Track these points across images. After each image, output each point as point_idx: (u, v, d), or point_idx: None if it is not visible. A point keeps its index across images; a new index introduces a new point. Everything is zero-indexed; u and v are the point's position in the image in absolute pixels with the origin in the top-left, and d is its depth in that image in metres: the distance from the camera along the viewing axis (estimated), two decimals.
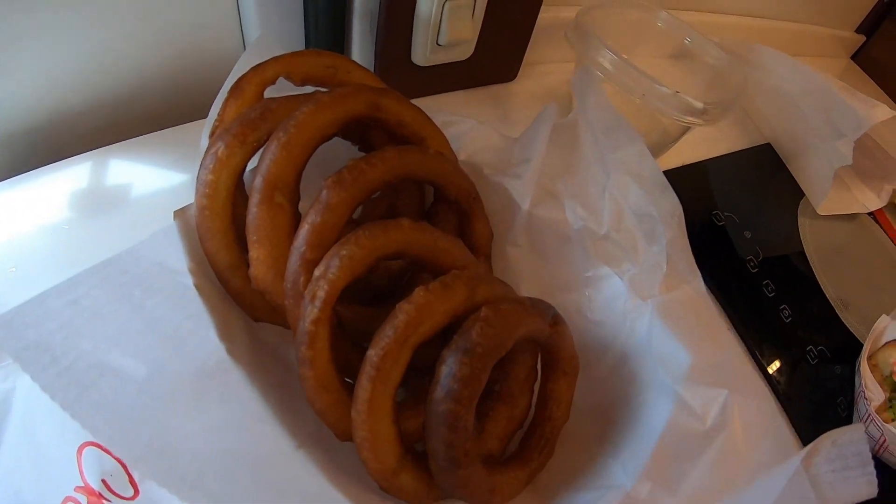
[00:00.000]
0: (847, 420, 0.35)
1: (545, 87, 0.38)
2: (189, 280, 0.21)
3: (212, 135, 0.24)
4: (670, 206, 0.23)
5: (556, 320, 0.21)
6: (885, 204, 0.47)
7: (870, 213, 0.48)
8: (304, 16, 0.29)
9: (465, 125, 0.27)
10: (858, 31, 0.67)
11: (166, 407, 0.16)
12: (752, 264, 0.36)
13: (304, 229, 0.20)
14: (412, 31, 0.29)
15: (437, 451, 0.18)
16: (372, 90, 0.23)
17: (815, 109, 0.41)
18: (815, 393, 0.34)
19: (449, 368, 0.18)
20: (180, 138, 0.29)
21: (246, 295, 0.23)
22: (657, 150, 0.37)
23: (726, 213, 0.37)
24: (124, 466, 0.21)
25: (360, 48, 0.30)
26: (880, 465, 0.33)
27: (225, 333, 0.21)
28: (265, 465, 0.18)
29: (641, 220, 0.23)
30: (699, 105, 0.30)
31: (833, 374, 0.35)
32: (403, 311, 0.19)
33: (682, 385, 0.22)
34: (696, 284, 0.24)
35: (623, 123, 0.25)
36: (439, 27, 0.29)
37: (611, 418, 0.24)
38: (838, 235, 0.44)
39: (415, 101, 0.24)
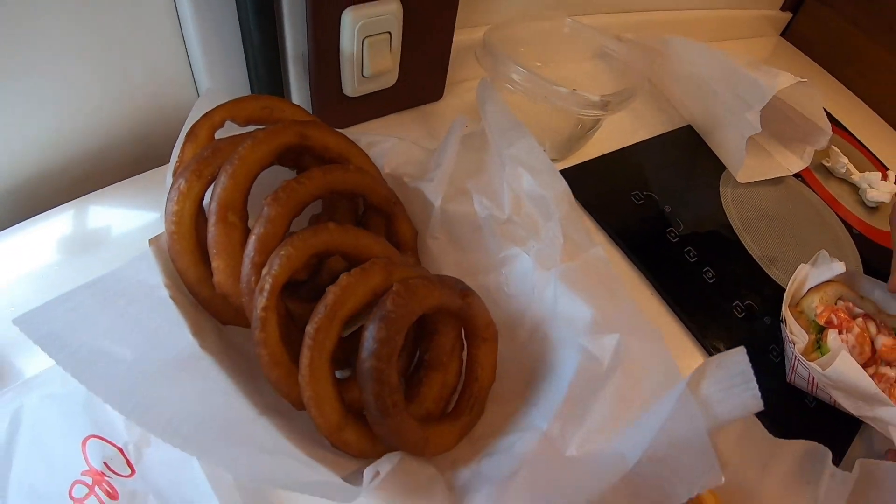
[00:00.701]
0: (780, 367, 0.40)
1: (469, 102, 0.45)
2: (165, 293, 0.27)
3: (174, 173, 0.31)
4: (559, 187, 0.29)
5: (465, 293, 0.28)
6: (807, 165, 0.53)
7: (797, 176, 0.54)
8: (247, 65, 0.36)
9: (388, 143, 0.33)
10: (784, 8, 0.75)
11: (150, 382, 0.22)
12: (672, 235, 0.42)
13: (252, 240, 0.27)
14: (339, 67, 0.37)
15: (368, 403, 0.24)
16: (299, 123, 0.30)
17: (724, 87, 0.47)
18: (746, 345, 0.40)
19: (370, 333, 0.24)
20: (150, 181, 0.36)
21: (213, 302, 0.29)
22: (576, 141, 0.44)
23: (645, 193, 0.44)
24: (122, 451, 0.27)
25: (298, 88, 0.38)
26: (818, 403, 0.38)
27: (197, 332, 0.27)
28: (231, 426, 0.24)
29: (537, 203, 0.30)
30: (595, 98, 0.36)
31: (763, 325, 0.41)
32: (331, 293, 0.25)
33: (585, 337, 0.27)
34: (594, 252, 0.30)
35: (515, 123, 0.31)
36: (362, 62, 0.37)
37: (532, 376, 0.29)
38: (764, 200, 0.50)
39: (351, 127, 0.31)
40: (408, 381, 0.28)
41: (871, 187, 0.56)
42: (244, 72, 0.36)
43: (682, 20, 0.65)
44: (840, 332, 0.39)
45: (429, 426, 0.26)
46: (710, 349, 0.37)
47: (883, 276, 0.42)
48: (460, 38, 0.41)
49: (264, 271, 0.26)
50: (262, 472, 0.22)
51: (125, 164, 0.37)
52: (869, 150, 0.63)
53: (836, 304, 0.41)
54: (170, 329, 0.26)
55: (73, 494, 0.25)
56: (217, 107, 0.31)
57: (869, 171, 0.57)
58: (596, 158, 0.45)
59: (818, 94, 0.48)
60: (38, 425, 0.27)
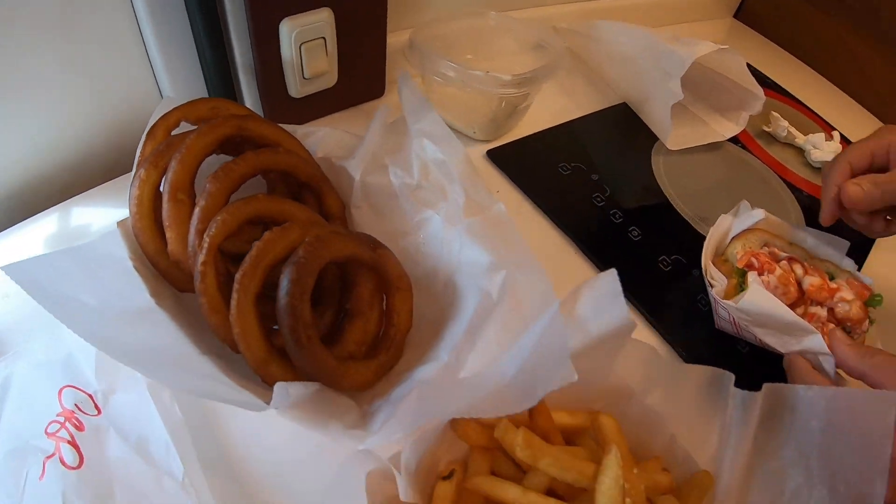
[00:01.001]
0: (708, 315, 0.42)
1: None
2: (129, 263, 0.34)
3: (136, 166, 0.37)
4: (458, 152, 0.34)
5: (375, 246, 0.33)
6: (741, 129, 0.56)
7: (739, 143, 0.57)
8: (204, 77, 0.43)
9: (322, 132, 0.39)
10: None
11: (111, 323, 0.28)
12: (598, 200, 0.46)
13: (196, 212, 0.33)
14: (283, 72, 0.43)
15: (285, 336, 0.29)
16: (238, 117, 0.36)
17: (649, 61, 0.52)
18: (674, 296, 0.43)
19: (285, 276, 0.29)
20: (125, 183, 0.43)
21: (170, 272, 0.35)
22: (504, 121, 0.48)
23: (573, 164, 0.48)
24: (91, 397, 0.32)
25: (249, 93, 0.44)
26: (751, 348, 0.40)
27: (155, 294, 0.32)
28: (177, 360, 0.29)
29: (440, 167, 0.35)
30: (507, 77, 0.41)
31: (692, 278, 0.44)
32: (255, 246, 0.30)
33: (483, 279, 0.32)
34: (496, 209, 0.34)
35: (423, 103, 0.37)
36: (302, 65, 0.43)
37: (444, 320, 0.34)
38: (699, 166, 0.53)
39: (301, 126, 0.37)
40: (334, 329, 0.33)
41: (816, 148, 0.58)
42: (202, 82, 0.43)
43: (638, 5, 0.69)
44: (761, 274, 0.40)
45: (346, 362, 0.31)
46: (633, 301, 0.40)
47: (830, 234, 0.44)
48: (397, 39, 0.48)
49: (204, 235, 0.32)
50: (195, 388, 0.27)
51: (104, 170, 0.44)
52: (816, 114, 0.65)
53: (760, 249, 0.43)
54: (131, 290, 0.32)
55: (48, 431, 0.30)
56: (172, 109, 0.37)
57: (814, 132, 0.59)
58: (527, 136, 0.50)
59: (742, 61, 0.51)
60: (24, 386, 0.32)
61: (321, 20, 0.42)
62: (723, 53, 0.50)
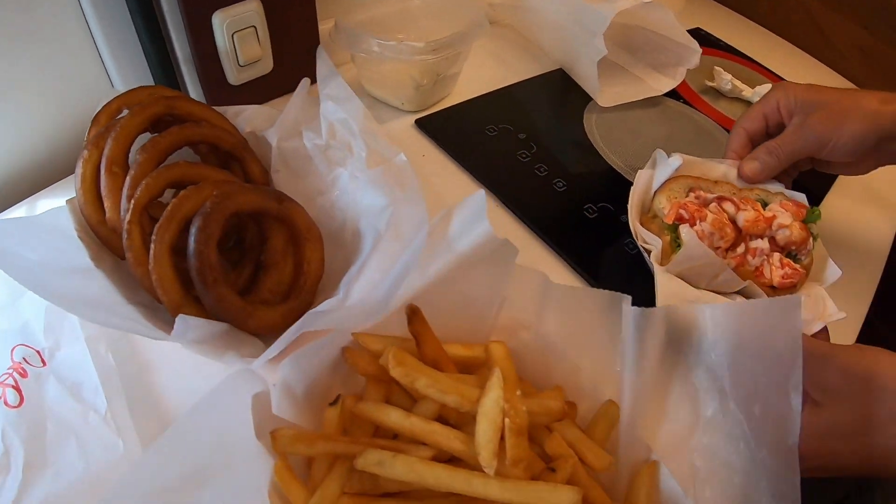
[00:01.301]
0: (639, 257, 0.42)
1: (347, 79, 0.52)
2: (74, 233, 0.38)
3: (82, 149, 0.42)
4: (357, 109, 0.37)
5: (281, 199, 0.36)
6: (678, 83, 0.57)
7: (681, 99, 0.58)
8: (151, 72, 0.48)
9: (251, 109, 0.43)
10: None
11: (51, 276, 0.32)
12: (523, 156, 0.48)
13: (126, 180, 0.37)
14: (220, 61, 0.47)
15: (194, 278, 0.32)
16: (167, 98, 0.40)
17: (574, 23, 0.54)
18: (600, 241, 0.43)
19: (194, 226, 0.33)
20: None
21: (111, 240, 0.39)
22: (430, 91, 0.50)
23: (501, 126, 0.50)
24: (39, 353, 0.36)
25: (191, 82, 0.49)
26: None
27: (95, 259, 0.37)
28: (106, 306, 0.33)
29: (344, 125, 0.38)
30: (420, 45, 0.44)
31: (620, 223, 0.45)
32: (171, 203, 0.34)
33: (378, 219, 0.35)
34: (396, 159, 0.37)
35: (331, 71, 0.40)
36: (236, 54, 0.47)
37: (350, 265, 0.37)
38: (635, 122, 0.54)
39: (233, 106, 0.41)
40: (250, 280, 0.37)
41: None
42: (150, 76, 0.48)
43: None
44: (693, 224, 0.39)
45: (255, 305, 0.34)
46: (553, 247, 0.42)
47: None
48: (331, 26, 0.51)
49: (133, 197, 0.35)
50: (115, 324, 0.31)
51: (70, 164, 0.49)
52: (766, 68, 0.65)
53: (686, 196, 0.42)
54: (74, 253, 0.36)
55: None
56: (114, 97, 0.42)
57: (761, 84, 0.60)
58: (458, 104, 0.52)
59: (671, 14, 0.53)
60: None
61: (250, 10, 0.46)
62: (649, 8, 0.52)
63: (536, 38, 0.60)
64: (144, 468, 0.23)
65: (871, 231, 0.56)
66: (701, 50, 0.55)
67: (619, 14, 0.49)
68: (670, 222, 0.40)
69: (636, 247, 0.43)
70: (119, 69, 0.47)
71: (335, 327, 0.29)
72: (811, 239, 0.42)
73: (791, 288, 0.41)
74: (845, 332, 0.44)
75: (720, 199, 0.42)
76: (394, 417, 0.28)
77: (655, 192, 0.43)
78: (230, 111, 0.43)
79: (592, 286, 0.41)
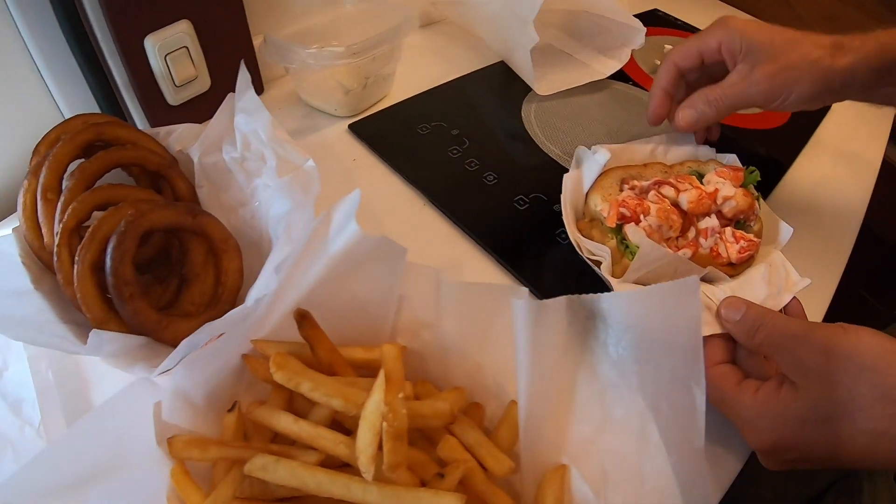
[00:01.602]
0: (570, 249, 0.41)
1: (287, 91, 0.55)
2: (17, 259, 0.41)
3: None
4: (264, 120, 0.38)
5: (195, 213, 0.37)
6: (623, 64, 0.56)
7: (629, 80, 0.57)
8: (95, 100, 0.51)
9: (181, 128, 0.45)
10: None
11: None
12: (454, 152, 0.48)
13: (58, 205, 0.39)
14: (157, 83, 0.50)
15: (112, 294, 0.34)
16: (97, 125, 0.42)
17: (508, 12, 0.53)
18: (530, 233, 0.42)
19: (110, 244, 0.35)
20: None
21: (51, 264, 0.42)
22: (363, 94, 0.51)
23: (434, 123, 0.50)
24: None
25: (133, 106, 0.51)
26: None
27: (36, 282, 0.39)
28: (40, 324, 0.35)
29: (254, 136, 0.39)
30: (340, 49, 0.45)
31: (552, 212, 0.44)
32: (92, 226, 0.36)
33: (281, 230, 0.36)
34: (306, 166, 0.38)
35: (246, 85, 0.41)
36: (171, 75, 0.49)
37: None
38: (579, 107, 0.54)
39: (166, 127, 0.43)
40: (176, 294, 0.38)
41: None
42: (95, 103, 0.51)
43: None
44: (638, 222, 0.37)
45: (171, 317, 0.36)
46: (479, 242, 0.42)
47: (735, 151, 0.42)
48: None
49: (63, 221, 0.38)
50: (40, 341, 0.33)
51: None
52: None
53: (621, 191, 0.40)
54: (16, 276, 0.39)
55: None
56: (52, 128, 0.45)
57: None
58: (393, 105, 0.53)
59: None
60: None
61: (180, 31, 0.48)
62: None
63: (477, 31, 0.60)
64: (42, 463, 0.25)
65: (843, 193, 0.54)
66: (645, 29, 0.54)
67: (558, 0, 0.49)
68: (613, 225, 0.37)
69: (567, 238, 0.42)
70: (66, 99, 0.50)
71: (221, 333, 0.30)
72: (756, 202, 0.40)
73: (750, 260, 0.39)
74: (822, 296, 0.44)
75: (657, 185, 0.40)
76: (284, 423, 0.29)
77: (588, 193, 0.40)
78: (162, 132, 0.45)
79: (518, 279, 0.40)
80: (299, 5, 0.53)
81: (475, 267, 0.40)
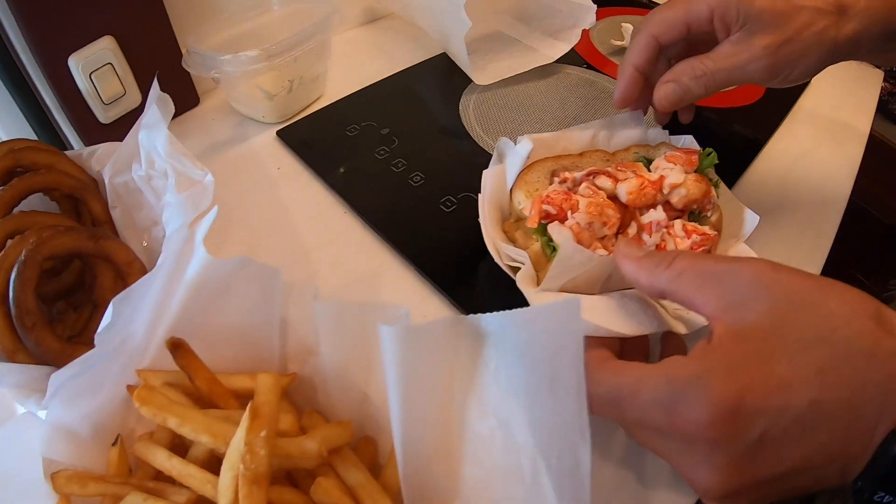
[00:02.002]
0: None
1: (220, 101, 0.54)
2: None
3: None
4: (161, 135, 0.37)
5: (97, 237, 0.37)
6: (572, 46, 0.52)
7: (584, 63, 0.53)
8: (28, 122, 0.51)
9: (102, 148, 0.45)
10: None
11: None
12: (381, 153, 0.45)
13: None
14: (86, 102, 0.49)
15: (16, 324, 0.34)
16: (13, 150, 0.43)
17: (444, 1, 0.50)
18: (454, 238, 0.39)
19: (12, 275, 0.35)
20: None
21: None
22: (290, 98, 0.50)
23: (364, 123, 0.48)
24: None
25: (66, 127, 0.51)
26: None
27: None
28: None
29: (155, 152, 0.38)
30: (253, 53, 0.43)
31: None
32: None
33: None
34: (206, 181, 0.37)
35: (151, 100, 0.40)
36: (98, 93, 0.49)
37: None
38: (525, 95, 0.50)
39: (89, 147, 0.43)
40: (86, 322, 0.38)
41: None
42: (29, 128, 0.51)
43: None
44: (564, 220, 0.33)
45: (74, 345, 0.35)
46: (399, 251, 0.39)
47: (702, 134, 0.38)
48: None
49: None
50: None
51: None
52: None
53: (551, 184, 0.36)
54: None
55: None
56: None
57: None
58: (325, 107, 0.51)
59: None
60: None
61: (103, 48, 0.48)
62: None
63: (419, 23, 0.57)
64: None
65: (826, 170, 0.49)
66: (595, 7, 0.50)
67: None
68: (535, 224, 0.33)
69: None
70: (2, 124, 0.51)
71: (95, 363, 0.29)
72: (713, 189, 0.36)
73: None
74: None
75: (592, 175, 0.35)
76: (159, 458, 0.28)
77: (512, 190, 0.36)
78: (85, 152, 0.45)
79: (441, 291, 0.37)
80: (226, 11, 0.51)
81: (394, 278, 0.38)
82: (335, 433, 0.28)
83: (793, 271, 0.23)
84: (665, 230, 0.35)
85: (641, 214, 0.35)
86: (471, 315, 0.25)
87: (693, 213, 0.36)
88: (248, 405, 0.26)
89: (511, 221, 0.36)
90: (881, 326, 0.21)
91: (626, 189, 0.35)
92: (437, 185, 0.43)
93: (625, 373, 0.23)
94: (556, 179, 0.36)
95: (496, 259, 0.34)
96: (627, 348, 0.30)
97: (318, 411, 0.31)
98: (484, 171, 0.36)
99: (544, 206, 0.33)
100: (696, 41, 0.36)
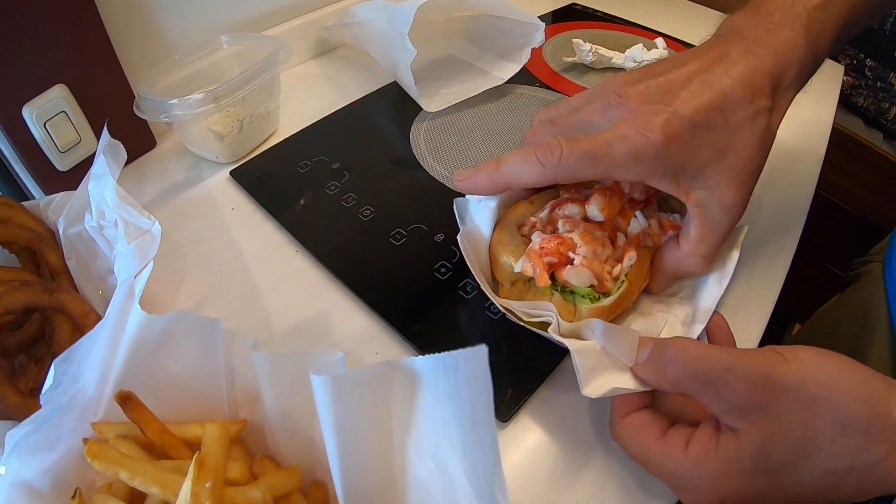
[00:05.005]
0: (449, 284, 0.41)
1: (176, 142, 0.57)
2: None
3: None
4: (108, 185, 0.40)
5: (52, 291, 0.40)
6: (522, 65, 0.55)
7: (537, 82, 0.56)
8: None
9: (58, 197, 0.48)
10: None
11: None
12: (332, 188, 0.49)
13: None
14: (43, 151, 0.53)
15: None
16: None
17: (390, 28, 0.54)
18: (405, 272, 0.42)
19: None
20: None
21: None
22: (242, 138, 0.53)
23: (315, 159, 0.52)
24: None
25: (25, 177, 0.55)
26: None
27: None
28: None
29: (104, 202, 0.41)
30: (199, 96, 0.47)
31: (433, 243, 0.45)
32: None
33: None
34: (154, 229, 0.40)
35: (100, 149, 0.44)
36: (53, 141, 0.53)
37: None
38: (476, 120, 0.54)
39: (47, 196, 0.47)
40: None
41: (636, 61, 0.55)
42: None
43: None
44: (568, 263, 0.34)
45: (33, 398, 0.39)
46: (347, 286, 0.42)
47: None
48: None
49: None
50: None
51: None
52: (646, 28, 0.61)
53: (535, 235, 0.36)
54: None
55: None
56: None
57: (633, 47, 0.56)
58: (278, 144, 0.55)
59: None
60: None
61: (55, 96, 0.52)
62: None
63: (370, 52, 0.61)
64: None
65: (793, 168, 0.52)
66: (543, 25, 0.53)
67: (460, 6, 0.49)
68: (548, 282, 0.34)
69: (448, 270, 0.42)
70: None
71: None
72: None
73: None
74: (777, 273, 0.45)
75: (558, 207, 0.36)
76: None
77: (492, 254, 0.37)
78: (42, 203, 0.48)
79: (393, 327, 0.40)
80: (176, 52, 0.55)
81: (346, 316, 0.41)
82: (282, 480, 0.31)
83: (787, 374, 0.25)
84: (647, 233, 0.37)
85: (628, 226, 0.37)
86: (404, 359, 0.27)
87: (661, 198, 0.39)
88: (195, 455, 0.29)
89: (506, 288, 0.36)
90: (876, 418, 0.24)
91: (597, 208, 0.36)
92: (387, 219, 0.46)
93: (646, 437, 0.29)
94: (527, 229, 0.37)
95: (514, 320, 0.34)
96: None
97: (268, 457, 0.34)
98: (458, 236, 0.36)
99: (546, 260, 0.34)
100: None
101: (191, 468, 0.29)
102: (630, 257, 0.36)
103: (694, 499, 0.27)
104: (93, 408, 0.34)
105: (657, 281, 0.39)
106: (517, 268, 0.34)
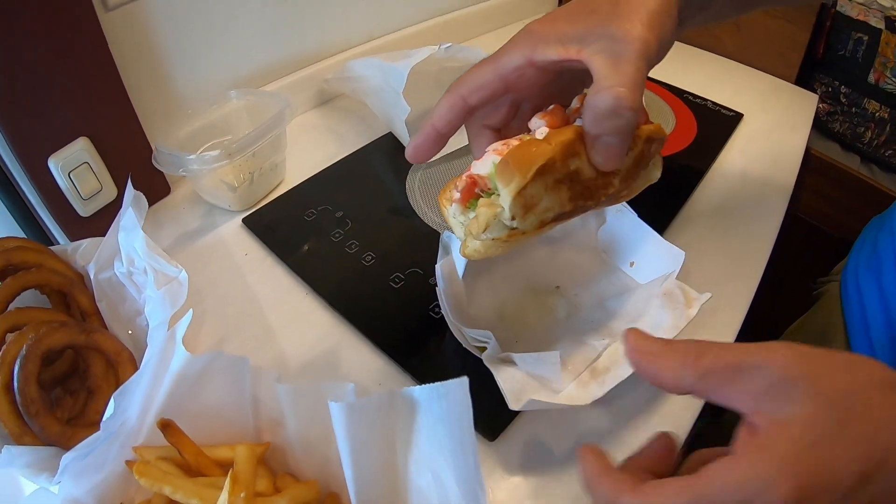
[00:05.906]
0: (443, 322, 0.49)
1: (190, 190, 0.64)
2: None
3: None
4: (137, 237, 0.48)
5: (88, 332, 0.47)
6: None
7: None
8: (14, 220, 0.62)
9: (85, 244, 0.55)
10: None
11: None
12: (336, 236, 0.56)
13: None
14: (67, 199, 0.60)
15: (22, 412, 0.44)
16: (5, 251, 0.53)
17: (387, 86, 0.62)
18: (405, 312, 0.49)
19: (16, 367, 0.45)
20: None
21: None
22: (253, 188, 0.61)
23: (320, 207, 0.59)
24: None
25: (50, 223, 0.62)
26: None
27: None
28: None
29: (134, 252, 0.49)
30: (216, 153, 0.55)
31: (427, 286, 0.52)
32: (1, 351, 0.46)
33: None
34: (181, 277, 0.47)
35: (126, 200, 0.51)
36: (77, 189, 0.60)
37: None
38: (461, 168, 0.61)
39: (77, 241, 0.53)
40: (84, 405, 0.48)
41: None
42: (16, 225, 0.62)
43: (465, 17, 0.81)
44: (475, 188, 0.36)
45: (74, 428, 0.45)
46: (358, 328, 0.50)
47: None
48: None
49: None
50: None
51: None
52: None
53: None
54: None
55: None
56: None
57: None
58: (285, 193, 0.62)
59: (480, 51, 0.60)
60: None
61: (79, 148, 0.59)
62: (456, 51, 0.59)
63: (367, 104, 0.69)
64: None
65: (764, 193, 0.61)
66: None
67: (451, 60, 0.57)
68: (466, 202, 0.36)
69: (441, 310, 0.50)
70: None
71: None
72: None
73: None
74: (745, 292, 0.51)
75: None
76: None
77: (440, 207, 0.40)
78: (70, 248, 0.55)
79: (396, 362, 0.47)
80: (189, 106, 0.63)
81: (352, 352, 0.49)
82: (303, 492, 0.38)
83: (818, 359, 0.25)
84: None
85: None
86: (404, 388, 0.35)
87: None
88: (230, 472, 0.37)
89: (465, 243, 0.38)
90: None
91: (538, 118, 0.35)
92: (386, 264, 0.54)
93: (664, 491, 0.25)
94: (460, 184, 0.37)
95: (463, 343, 0.43)
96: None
97: (289, 473, 0.41)
98: (436, 266, 0.43)
99: (457, 192, 0.37)
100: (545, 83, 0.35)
101: (226, 482, 0.36)
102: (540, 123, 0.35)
103: (768, 500, 0.23)
104: (134, 435, 0.41)
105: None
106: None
